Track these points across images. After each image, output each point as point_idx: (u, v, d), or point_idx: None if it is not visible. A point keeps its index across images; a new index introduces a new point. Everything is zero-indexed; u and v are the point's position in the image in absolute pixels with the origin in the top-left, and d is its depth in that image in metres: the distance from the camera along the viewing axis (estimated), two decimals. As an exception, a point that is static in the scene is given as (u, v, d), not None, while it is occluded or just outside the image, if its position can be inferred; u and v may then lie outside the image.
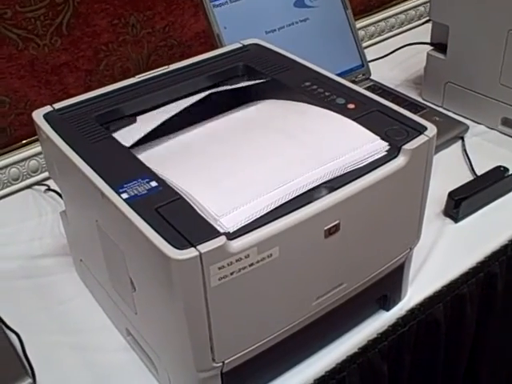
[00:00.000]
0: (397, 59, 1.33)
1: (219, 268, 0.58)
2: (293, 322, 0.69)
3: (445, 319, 0.88)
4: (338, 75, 1.18)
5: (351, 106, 0.75)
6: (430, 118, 1.12)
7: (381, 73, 1.25)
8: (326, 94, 0.77)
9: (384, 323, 0.82)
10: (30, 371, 0.76)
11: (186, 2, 1.23)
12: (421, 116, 1.12)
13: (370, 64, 1.24)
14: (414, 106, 1.17)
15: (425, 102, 1.20)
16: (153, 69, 0.87)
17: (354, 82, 1.22)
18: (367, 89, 1.21)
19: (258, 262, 0.60)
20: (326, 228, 0.64)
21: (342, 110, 0.74)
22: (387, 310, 0.83)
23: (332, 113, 0.74)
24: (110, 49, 1.17)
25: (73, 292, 0.87)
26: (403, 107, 1.14)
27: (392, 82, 1.26)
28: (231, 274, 0.59)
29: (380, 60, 1.31)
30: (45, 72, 1.11)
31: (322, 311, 0.72)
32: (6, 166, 1.10)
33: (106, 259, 0.72)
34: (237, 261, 0.59)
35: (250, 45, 0.89)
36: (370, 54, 1.27)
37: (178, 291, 0.58)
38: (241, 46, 0.89)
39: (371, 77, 1.24)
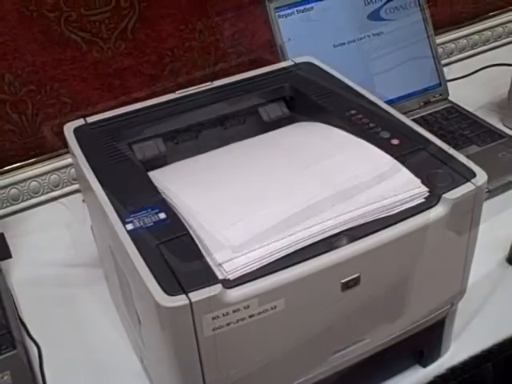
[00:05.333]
0: (479, 80, 1.21)
1: (213, 318, 0.53)
2: (305, 376, 0.63)
3: (494, 381, 0.79)
4: (411, 94, 1.13)
5: (395, 141, 0.68)
6: (507, 148, 1.02)
7: (460, 94, 1.15)
8: (371, 125, 0.71)
9: (419, 380, 0.74)
10: (42, 387, 0.75)
11: (258, 9, 1.18)
12: (497, 145, 1.04)
13: (449, 84, 1.14)
14: (492, 134, 1.07)
15: (506, 130, 1.09)
16: (220, 77, 0.84)
17: (429, 102, 1.13)
18: (443, 110, 1.13)
19: (259, 313, 0.55)
20: (343, 281, 0.58)
21: (383, 146, 0.67)
22: (424, 366, 0.75)
23: (372, 147, 0.67)
24: (176, 54, 1.14)
25: (100, 307, 0.85)
26: (480, 134, 1.07)
27: (472, 104, 1.15)
28: (227, 324, 0.54)
29: (460, 80, 1.20)
30: (107, 75, 1.10)
31: (343, 365, 0.66)
32: (67, 166, 1.11)
33: (120, 285, 0.70)
34: (234, 311, 0.54)
35: (303, 63, 0.84)
36: (448, 73, 1.17)
37: (169, 337, 0.54)
38: (292, 63, 0.84)
39: (449, 98, 1.15)
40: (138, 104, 0.78)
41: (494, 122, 1.11)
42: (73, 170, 1.11)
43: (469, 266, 0.67)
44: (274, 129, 0.76)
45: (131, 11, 1.07)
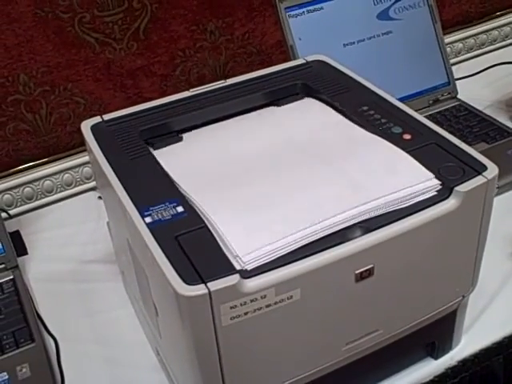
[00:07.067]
0: (487, 79, 1.22)
1: (231, 307, 0.54)
2: (318, 366, 0.64)
3: (505, 374, 0.80)
4: (421, 93, 1.14)
5: (407, 136, 0.69)
6: (515, 146, 1.03)
7: (469, 92, 1.16)
8: (383, 121, 0.72)
9: (430, 372, 0.75)
10: (59, 380, 0.76)
11: (268, 10, 1.19)
12: (506, 143, 1.05)
13: (458, 82, 1.16)
14: (500, 131, 1.08)
15: (514, 128, 1.11)
16: (230, 76, 0.85)
17: (438, 100, 1.14)
18: (452, 108, 1.14)
19: (275, 303, 0.56)
20: (357, 272, 0.59)
21: (396, 140, 0.68)
22: (435, 358, 0.76)
23: (384, 141, 0.68)
24: (187, 54, 1.16)
25: (116, 302, 0.87)
26: (488, 131, 1.08)
27: (480, 102, 1.16)
28: (245, 314, 0.55)
29: (468, 78, 1.22)
30: (120, 76, 1.11)
31: (356, 356, 0.67)
32: (80, 165, 1.13)
33: (137, 279, 0.71)
34: (251, 301, 0.55)
35: (314, 61, 0.85)
36: (457, 71, 1.18)
37: (187, 327, 0.55)
38: (304, 62, 0.85)
39: (458, 96, 1.16)
40: (153, 102, 0.79)
41: (503, 119, 1.12)
42: (85, 169, 1.13)
43: (480, 259, 0.68)
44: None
45: (143, 12, 1.08)
